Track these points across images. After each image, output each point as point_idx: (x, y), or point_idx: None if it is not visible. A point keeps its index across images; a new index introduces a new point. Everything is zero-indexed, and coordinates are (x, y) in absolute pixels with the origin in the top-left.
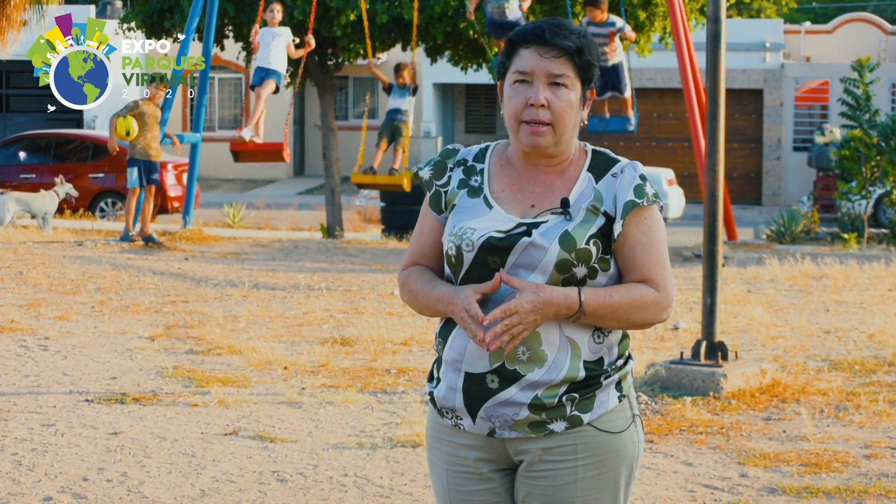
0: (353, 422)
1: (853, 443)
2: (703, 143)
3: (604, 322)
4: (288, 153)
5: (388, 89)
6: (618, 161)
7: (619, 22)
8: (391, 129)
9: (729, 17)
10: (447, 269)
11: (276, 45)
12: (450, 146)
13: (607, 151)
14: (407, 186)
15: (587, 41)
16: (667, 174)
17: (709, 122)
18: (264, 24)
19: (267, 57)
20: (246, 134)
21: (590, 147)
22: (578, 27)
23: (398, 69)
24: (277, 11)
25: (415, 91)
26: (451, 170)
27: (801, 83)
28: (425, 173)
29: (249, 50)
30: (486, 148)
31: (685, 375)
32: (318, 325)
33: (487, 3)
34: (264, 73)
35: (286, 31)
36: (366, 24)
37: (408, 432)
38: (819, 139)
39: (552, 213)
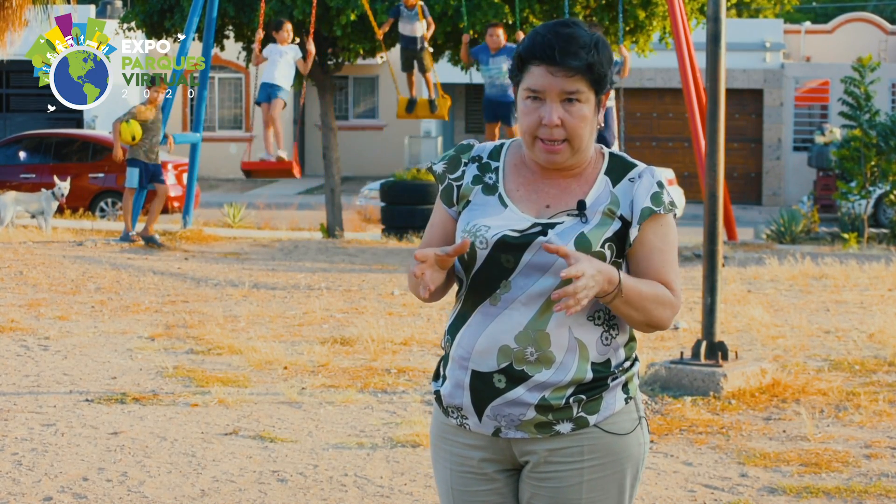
0: (353, 422)
1: (853, 443)
2: (703, 143)
3: (630, 309)
4: (299, 169)
5: (397, 12)
6: (635, 165)
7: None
8: (411, 59)
9: (729, 17)
10: (458, 265)
11: (283, 62)
12: (465, 141)
13: (624, 155)
14: (445, 115)
15: (599, 50)
16: (667, 174)
17: (709, 122)
18: (272, 40)
19: (273, 73)
20: (283, 154)
21: (607, 150)
22: (589, 35)
23: None
24: (288, 32)
25: (427, 26)
26: (466, 165)
27: (801, 83)
28: (439, 167)
29: (250, 52)
30: (502, 145)
31: (685, 375)
32: (318, 325)
33: (482, 74)
34: (270, 90)
35: (294, 49)
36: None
37: (408, 432)
38: (819, 139)
39: (567, 215)
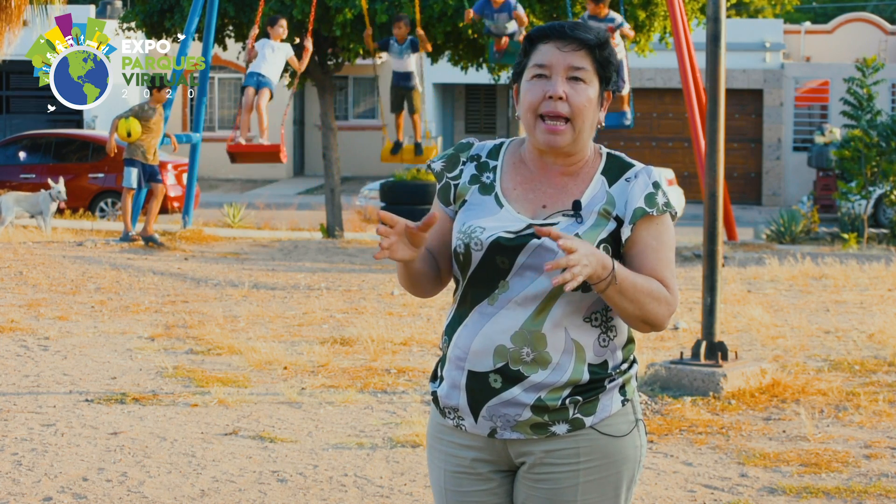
0: (353, 422)
1: (853, 443)
2: (703, 143)
3: (622, 301)
4: (285, 154)
5: (385, 46)
6: (632, 165)
7: (618, 18)
8: (402, 97)
9: (729, 17)
10: (455, 266)
11: (274, 57)
12: (464, 140)
13: (622, 155)
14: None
15: (607, 41)
16: (667, 174)
17: (709, 122)
18: (265, 34)
19: (261, 64)
20: (263, 141)
21: (605, 150)
22: (599, 27)
23: (396, 20)
24: (283, 28)
25: (416, 48)
26: (464, 164)
27: (801, 83)
28: (437, 165)
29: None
30: (501, 144)
31: (685, 375)
32: (318, 325)
33: (488, 24)
34: (259, 77)
35: (286, 48)
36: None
37: (408, 432)
38: (819, 139)
39: (563, 215)
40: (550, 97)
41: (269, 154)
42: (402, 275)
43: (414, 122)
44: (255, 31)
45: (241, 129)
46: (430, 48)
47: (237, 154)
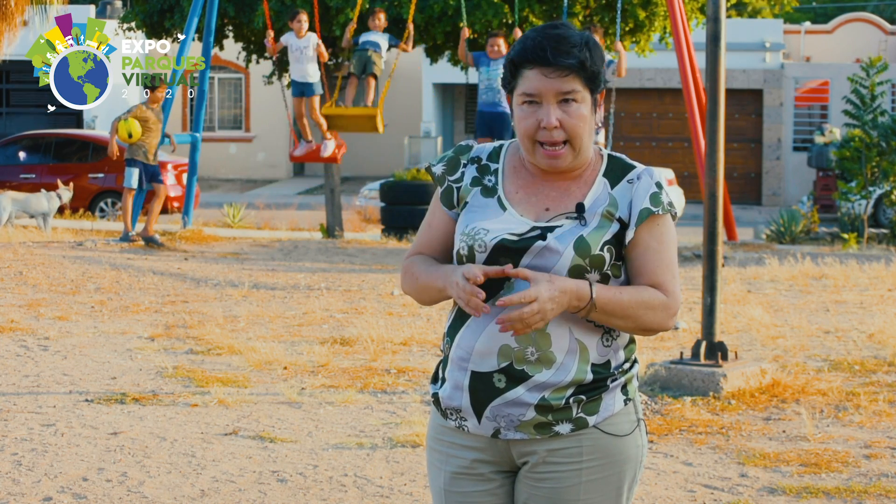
0: (353, 422)
1: (853, 443)
2: (703, 143)
3: (612, 320)
4: (343, 151)
5: (357, 42)
6: (634, 167)
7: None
8: (362, 62)
9: (729, 17)
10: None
11: (306, 56)
12: (463, 142)
13: (623, 157)
14: (380, 126)
15: (590, 48)
16: (667, 174)
17: (709, 122)
18: (286, 29)
19: (303, 70)
20: (329, 147)
21: (605, 152)
22: (580, 34)
23: (371, 12)
24: (304, 21)
25: (393, 44)
26: (465, 166)
27: (800, 83)
28: (438, 169)
29: (250, 53)
30: (501, 147)
31: (685, 375)
32: (318, 325)
33: (481, 76)
34: (303, 87)
35: (312, 38)
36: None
37: (408, 432)
38: (819, 139)
39: (567, 218)
40: (545, 128)
41: (328, 159)
42: (432, 297)
43: (367, 84)
44: (270, 34)
45: (303, 134)
46: (409, 49)
47: (300, 159)
